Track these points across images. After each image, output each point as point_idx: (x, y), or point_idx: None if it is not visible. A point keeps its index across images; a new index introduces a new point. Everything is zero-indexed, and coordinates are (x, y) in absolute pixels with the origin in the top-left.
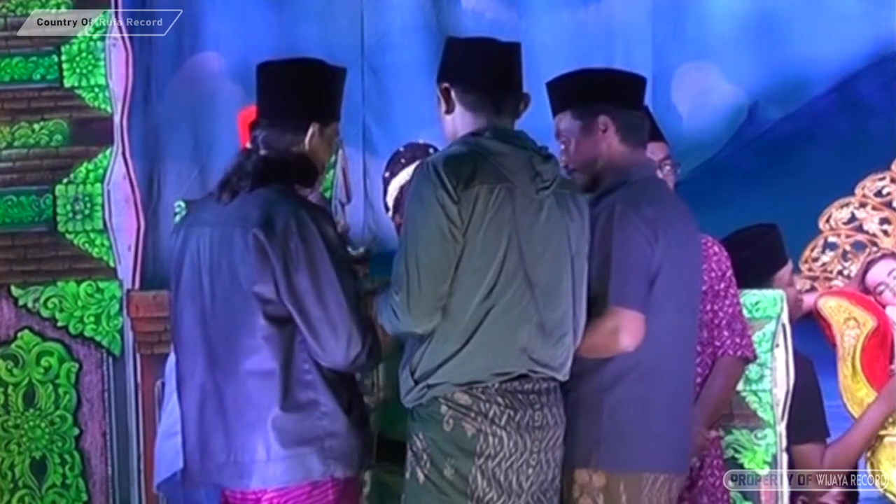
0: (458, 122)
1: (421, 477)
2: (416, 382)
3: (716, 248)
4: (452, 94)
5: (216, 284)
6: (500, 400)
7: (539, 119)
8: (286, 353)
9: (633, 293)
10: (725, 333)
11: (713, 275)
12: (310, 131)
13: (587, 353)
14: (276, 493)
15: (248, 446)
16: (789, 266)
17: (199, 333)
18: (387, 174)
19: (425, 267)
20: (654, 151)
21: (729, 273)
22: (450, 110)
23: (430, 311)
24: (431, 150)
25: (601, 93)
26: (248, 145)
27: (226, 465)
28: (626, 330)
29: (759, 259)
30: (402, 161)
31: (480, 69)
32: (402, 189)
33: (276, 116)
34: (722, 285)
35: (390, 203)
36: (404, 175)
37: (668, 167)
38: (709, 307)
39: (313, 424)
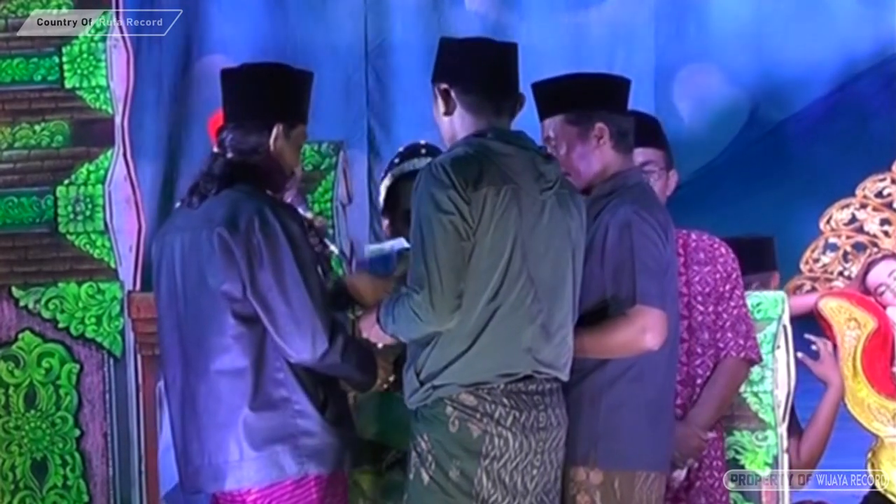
0: (458, 123)
1: (425, 478)
2: (422, 383)
3: (722, 250)
4: (452, 94)
5: (187, 287)
6: (505, 401)
7: (537, 119)
8: (257, 352)
9: (656, 292)
10: (729, 335)
11: (717, 276)
12: (274, 132)
13: (608, 354)
14: (259, 494)
15: (222, 447)
16: (776, 275)
17: (177, 339)
18: (382, 175)
19: (445, 264)
20: (649, 156)
21: (735, 275)
22: (449, 111)
23: (452, 308)
24: (423, 151)
25: (597, 99)
26: (216, 149)
27: (202, 468)
28: (653, 329)
29: (745, 252)
30: (395, 161)
31: (481, 70)
32: (388, 190)
33: (240, 119)
34: (727, 287)
35: (381, 203)
36: (390, 177)
37: (654, 173)
38: (711, 308)
39: (286, 423)
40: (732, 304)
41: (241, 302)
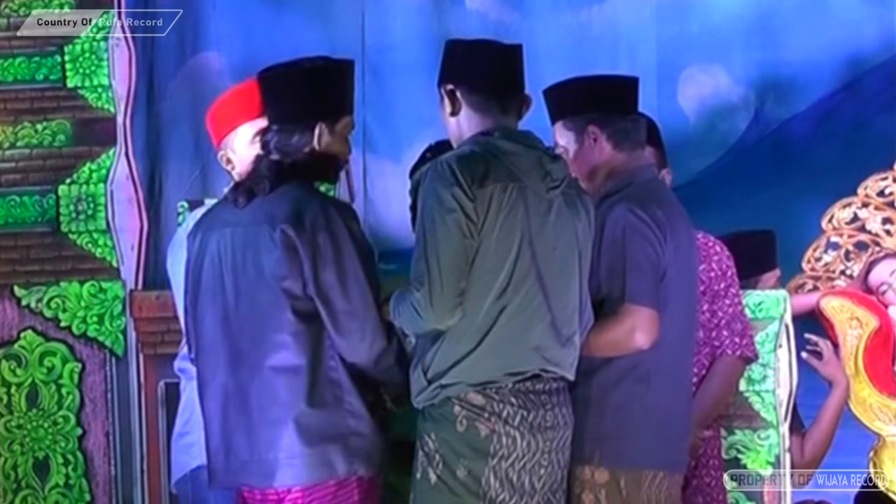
0: (464, 123)
1: (433, 477)
2: (429, 382)
3: (717, 248)
4: (458, 95)
5: (240, 283)
6: (513, 400)
7: (543, 119)
8: (314, 350)
9: (648, 291)
10: (724, 333)
11: (712, 274)
12: (316, 131)
13: (600, 352)
14: (300, 493)
15: (274, 444)
16: (776, 272)
17: (221, 334)
18: (411, 169)
19: (446, 263)
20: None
21: (730, 273)
22: (455, 112)
23: (452, 307)
24: None
25: (587, 102)
26: (261, 151)
27: (249, 463)
28: (642, 328)
29: (745, 256)
30: (427, 156)
31: (485, 70)
32: (414, 186)
33: (282, 121)
34: (722, 285)
35: (409, 198)
36: (419, 173)
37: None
38: (706, 307)
39: (339, 422)
40: (727, 301)
41: (302, 299)
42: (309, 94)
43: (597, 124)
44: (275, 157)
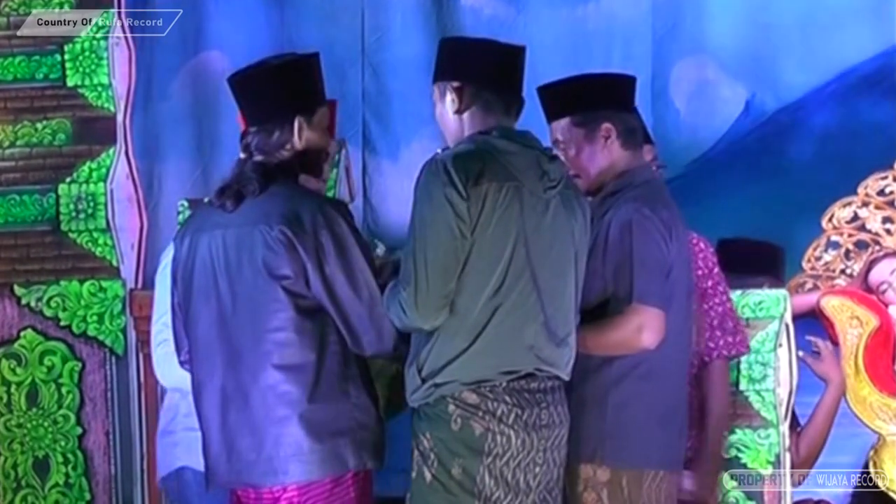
0: (468, 121)
1: (428, 476)
2: (423, 381)
3: (702, 245)
4: (466, 92)
5: (236, 284)
6: (507, 399)
7: (541, 118)
8: (319, 346)
9: (655, 291)
10: (718, 333)
11: (699, 273)
12: (295, 125)
13: (606, 351)
14: (296, 491)
15: (282, 441)
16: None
17: (216, 336)
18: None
19: (433, 264)
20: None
21: (716, 270)
22: (461, 109)
23: (438, 308)
24: None
25: (602, 99)
26: (242, 154)
27: (256, 463)
28: (650, 327)
29: (751, 258)
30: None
31: (497, 69)
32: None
33: (261, 121)
34: (709, 283)
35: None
36: None
37: (654, 168)
38: (694, 307)
39: (346, 416)
40: (717, 300)
41: (305, 297)
42: (282, 89)
43: (612, 122)
44: (258, 158)
